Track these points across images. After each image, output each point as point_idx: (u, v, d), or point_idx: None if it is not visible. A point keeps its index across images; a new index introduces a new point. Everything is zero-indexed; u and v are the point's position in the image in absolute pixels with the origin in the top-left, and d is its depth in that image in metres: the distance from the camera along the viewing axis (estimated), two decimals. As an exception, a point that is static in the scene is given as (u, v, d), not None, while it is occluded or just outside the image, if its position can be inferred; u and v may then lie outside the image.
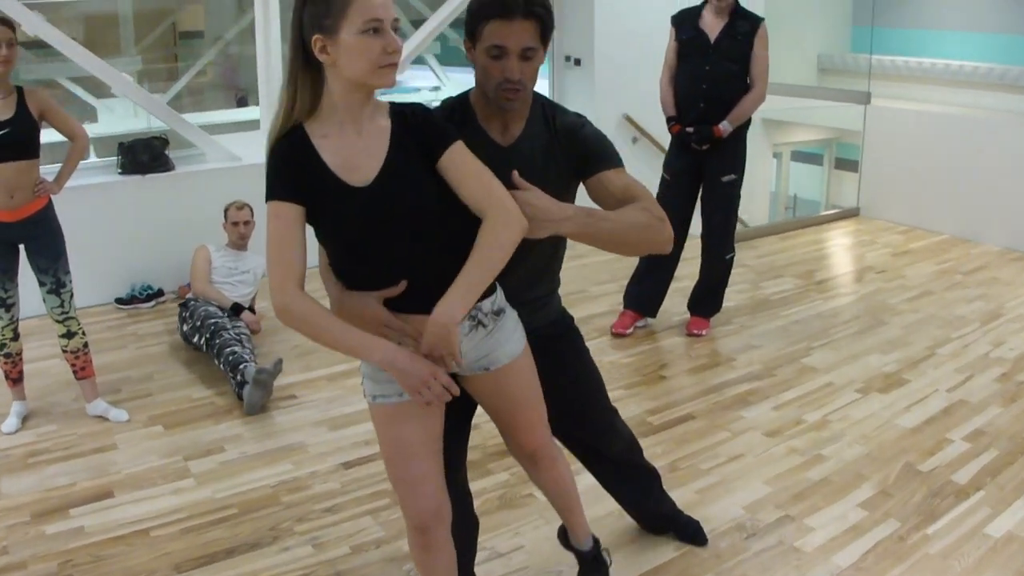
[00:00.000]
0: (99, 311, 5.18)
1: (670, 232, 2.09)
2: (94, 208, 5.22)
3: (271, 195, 1.80)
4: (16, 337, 3.69)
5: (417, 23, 6.62)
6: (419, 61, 8.01)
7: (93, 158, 5.53)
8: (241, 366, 3.99)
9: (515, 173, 1.91)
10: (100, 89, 8.62)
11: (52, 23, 7.67)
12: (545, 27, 1.98)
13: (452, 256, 1.87)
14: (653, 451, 3.37)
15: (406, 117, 1.87)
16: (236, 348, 4.14)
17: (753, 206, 8.09)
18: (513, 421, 2.20)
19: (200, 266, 4.80)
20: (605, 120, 6.97)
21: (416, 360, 1.81)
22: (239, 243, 4.95)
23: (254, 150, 5.65)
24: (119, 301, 5.28)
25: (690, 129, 4.40)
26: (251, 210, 4.99)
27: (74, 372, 3.79)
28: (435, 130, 1.88)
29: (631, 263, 4.73)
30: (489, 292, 2.00)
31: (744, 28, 4.31)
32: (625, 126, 7.02)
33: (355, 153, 1.82)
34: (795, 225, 7.00)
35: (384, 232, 1.84)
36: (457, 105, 2.11)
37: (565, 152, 2.11)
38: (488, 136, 2.08)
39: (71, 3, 8.18)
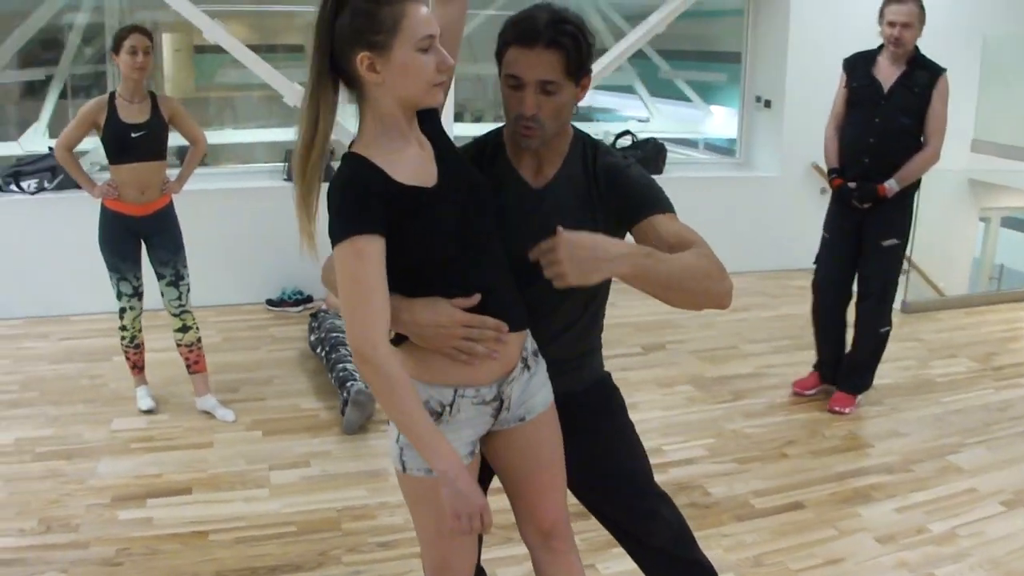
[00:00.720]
0: (248, 310, 5.42)
1: (730, 284, 1.79)
2: (257, 211, 5.46)
3: (355, 229, 1.59)
4: (141, 327, 3.89)
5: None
6: (628, 90, 7.86)
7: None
8: (349, 383, 3.99)
9: (559, 228, 1.66)
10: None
11: (285, 31, 8.10)
12: (570, 59, 1.76)
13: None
14: (743, 539, 3.04)
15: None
16: (349, 365, 4.16)
17: (952, 274, 7.34)
18: (537, 484, 1.96)
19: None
20: (791, 168, 6.57)
21: (476, 488, 1.66)
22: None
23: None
24: (269, 303, 5.49)
25: (852, 185, 3.99)
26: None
27: (187, 366, 3.94)
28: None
29: (791, 322, 4.33)
30: (523, 327, 1.85)
31: (923, 79, 3.86)
32: (813, 176, 6.55)
33: (422, 161, 1.72)
34: (989, 300, 6.25)
35: (477, 223, 1.75)
36: (489, 141, 1.96)
37: (605, 197, 1.89)
38: (519, 175, 1.91)
39: (302, 12, 8.72)
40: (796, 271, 5.87)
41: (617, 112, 8.62)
